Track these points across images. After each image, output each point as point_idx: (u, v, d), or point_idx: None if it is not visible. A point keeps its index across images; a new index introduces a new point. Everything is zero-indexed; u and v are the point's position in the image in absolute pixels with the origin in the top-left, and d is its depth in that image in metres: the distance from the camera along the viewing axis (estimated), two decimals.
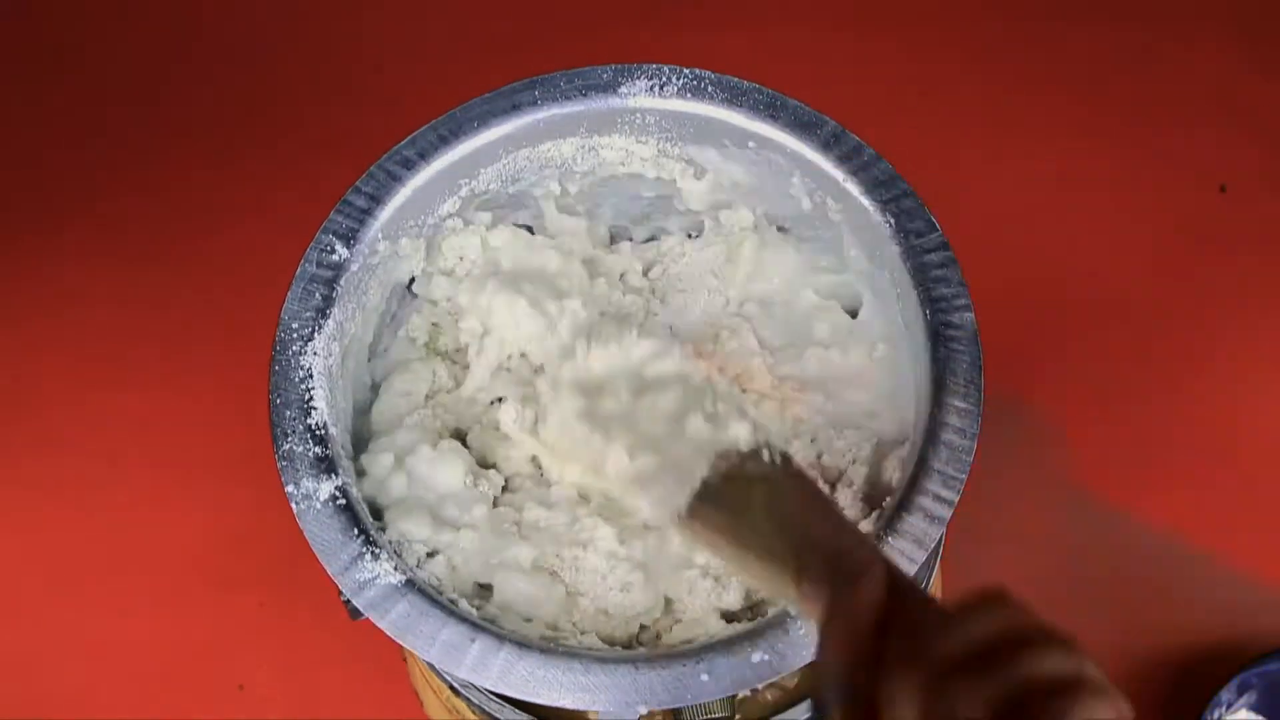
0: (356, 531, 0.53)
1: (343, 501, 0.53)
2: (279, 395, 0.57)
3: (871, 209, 0.60)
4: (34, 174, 1.05)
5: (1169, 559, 0.85)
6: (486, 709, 0.60)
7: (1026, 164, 1.02)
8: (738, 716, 0.54)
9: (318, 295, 0.59)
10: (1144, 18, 1.10)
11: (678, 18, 1.10)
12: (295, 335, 0.58)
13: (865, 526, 0.56)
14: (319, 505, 0.53)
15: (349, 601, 0.52)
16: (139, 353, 0.95)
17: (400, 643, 0.50)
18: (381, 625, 0.50)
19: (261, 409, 0.87)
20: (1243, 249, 0.98)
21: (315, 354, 0.58)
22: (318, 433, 0.55)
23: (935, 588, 0.72)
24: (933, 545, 0.51)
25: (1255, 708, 0.75)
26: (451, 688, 0.62)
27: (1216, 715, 0.74)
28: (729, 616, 0.57)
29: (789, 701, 0.58)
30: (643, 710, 0.49)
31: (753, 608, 0.58)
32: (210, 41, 1.13)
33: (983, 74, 1.08)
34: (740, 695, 0.55)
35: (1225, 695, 0.74)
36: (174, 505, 0.87)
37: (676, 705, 0.49)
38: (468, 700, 0.61)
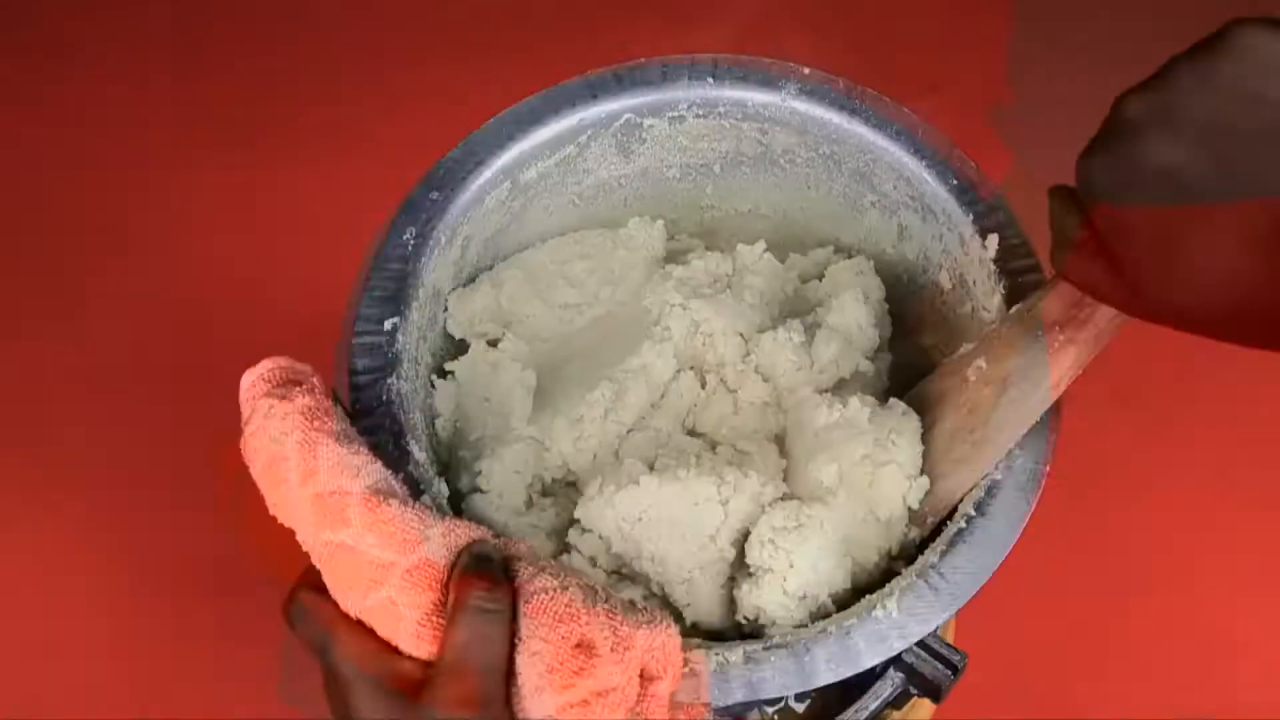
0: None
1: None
2: (404, 214, 0.54)
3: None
4: (35, 171, 1.05)
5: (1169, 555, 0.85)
6: None
7: (1023, 163, 1.02)
8: None
9: (507, 132, 0.56)
10: (1143, 16, 1.10)
11: (668, 11, 1.11)
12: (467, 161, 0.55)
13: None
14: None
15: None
16: (138, 352, 0.95)
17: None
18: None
19: None
20: None
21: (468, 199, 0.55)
22: (406, 267, 0.53)
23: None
24: None
25: None
26: None
27: None
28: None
29: None
30: None
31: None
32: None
33: (981, 72, 1.08)
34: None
35: None
36: (174, 506, 0.87)
37: None
38: None
